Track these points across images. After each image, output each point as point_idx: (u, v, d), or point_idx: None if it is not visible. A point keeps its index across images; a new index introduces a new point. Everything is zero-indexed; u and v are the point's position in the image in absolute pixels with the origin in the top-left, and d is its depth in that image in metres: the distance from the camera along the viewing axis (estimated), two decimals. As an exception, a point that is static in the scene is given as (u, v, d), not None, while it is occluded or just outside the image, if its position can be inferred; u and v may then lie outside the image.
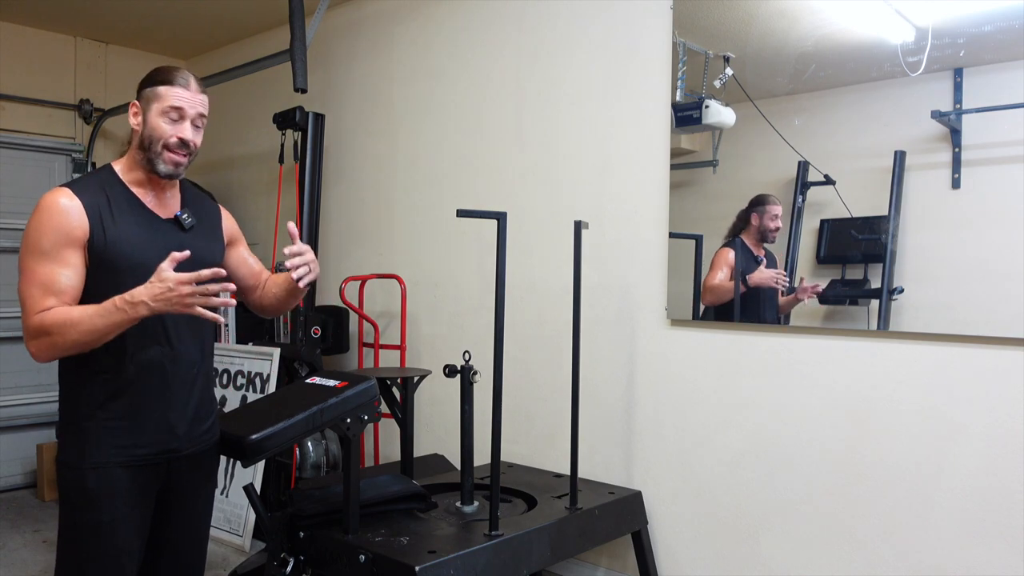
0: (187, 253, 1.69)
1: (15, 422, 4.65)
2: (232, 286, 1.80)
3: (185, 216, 1.89)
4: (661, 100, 2.94)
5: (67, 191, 1.76)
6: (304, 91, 3.74)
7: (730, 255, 2.77)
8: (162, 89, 1.82)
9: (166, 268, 1.65)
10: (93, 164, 5.01)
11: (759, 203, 2.70)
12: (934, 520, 2.33)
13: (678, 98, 2.89)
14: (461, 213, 2.28)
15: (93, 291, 1.77)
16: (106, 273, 1.76)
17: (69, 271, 1.73)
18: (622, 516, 2.80)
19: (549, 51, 3.33)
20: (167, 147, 1.80)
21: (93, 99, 5.09)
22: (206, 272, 1.66)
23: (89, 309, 1.69)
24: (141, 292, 1.66)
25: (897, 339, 2.40)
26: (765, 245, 2.70)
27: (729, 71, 2.75)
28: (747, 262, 2.73)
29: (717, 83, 2.78)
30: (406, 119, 3.95)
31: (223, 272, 1.70)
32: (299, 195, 4.08)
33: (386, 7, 4.07)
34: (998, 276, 2.22)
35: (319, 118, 4.17)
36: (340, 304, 3.95)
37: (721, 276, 2.79)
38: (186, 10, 4.55)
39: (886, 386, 2.42)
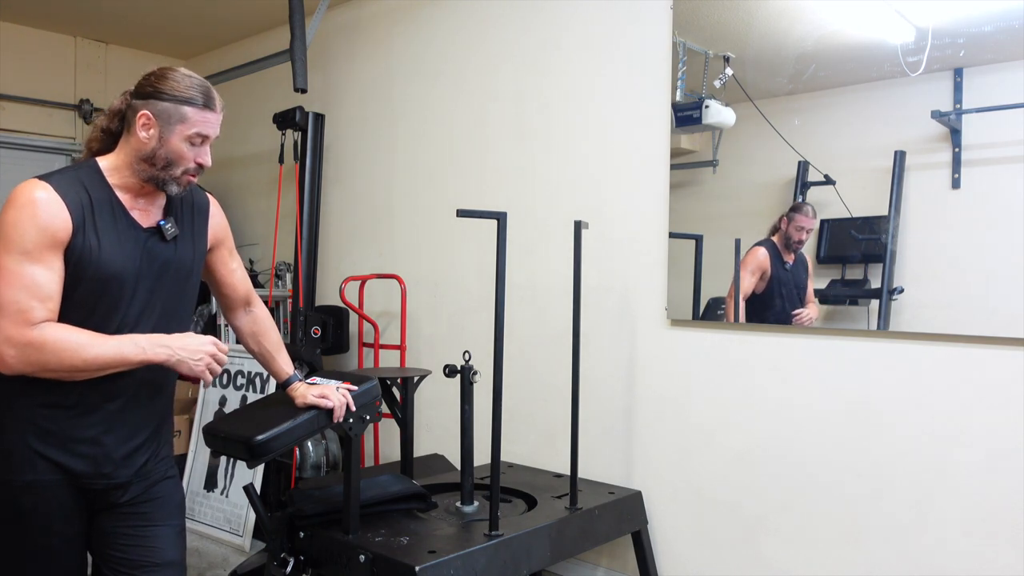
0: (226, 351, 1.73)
1: None
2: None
3: (168, 226, 1.72)
4: (661, 100, 2.94)
5: (46, 186, 1.57)
6: (304, 91, 3.75)
7: (760, 254, 2.69)
8: (190, 112, 1.65)
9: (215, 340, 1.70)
10: (93, 164, 5.01)
11: (792, 210, 2.63)
12: (934, 520, 2.33)
13: (678, 98, 2.89)
14: (461, 213, 2.28)
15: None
16: (72, 279, 1.59)
17: (54, 276, 1.56)
18: (622, 516, 2.80)
19: (549, 51, 3.32)
20: (186, 172, 1.68)
21: (93, 99, 5.08)
22: (224, 347, 1.72)
23: (101, 335, 1.57)
24: (174, 339, 1.64)
25: (897, 339, 2.40)
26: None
27: (729, 71, 2.75)
28: (775, 267, 2.69)
29: (717, 83, 2.78)
30: (406, 119, 3.95)
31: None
32: (299, 195, 4.08)
33: (386, 7, 4.07)
34: (998, 276, 2.22)
35: (319, 118, 4.17)
36: (340, 304, 3.94)
37: (750, 280, 2.70)
38: (186, 10, 4.55)
39: (886, 386, 2.42)
